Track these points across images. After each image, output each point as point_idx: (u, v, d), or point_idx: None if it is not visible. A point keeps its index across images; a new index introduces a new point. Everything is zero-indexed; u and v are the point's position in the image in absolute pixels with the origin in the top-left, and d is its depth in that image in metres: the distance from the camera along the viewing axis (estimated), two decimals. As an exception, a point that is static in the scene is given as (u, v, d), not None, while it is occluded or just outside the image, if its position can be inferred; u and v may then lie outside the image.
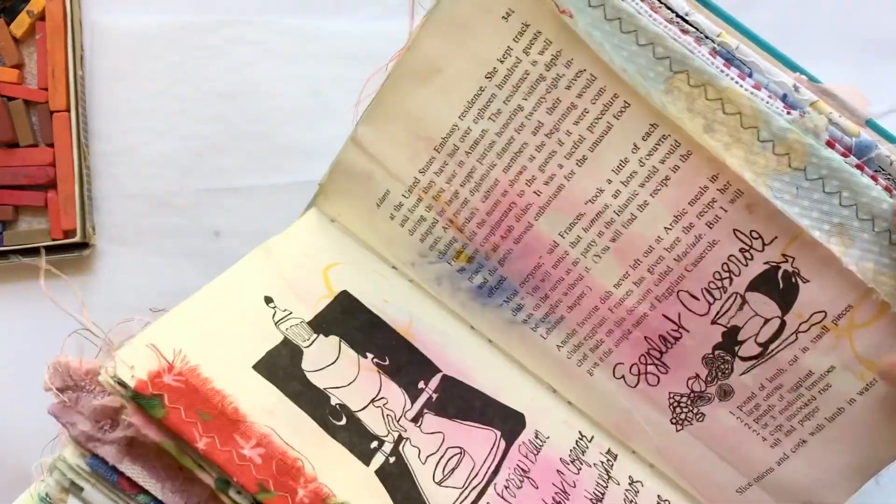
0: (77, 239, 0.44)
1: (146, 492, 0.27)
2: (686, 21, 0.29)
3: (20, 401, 0.45)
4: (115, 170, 0.46)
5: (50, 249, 0.45)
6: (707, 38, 0.29)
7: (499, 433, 0.33)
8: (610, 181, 0.32)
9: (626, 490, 0.34)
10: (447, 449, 0.31)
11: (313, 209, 0.37)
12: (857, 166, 0.29)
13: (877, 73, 0.43)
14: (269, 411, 0.27)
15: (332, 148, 0.46)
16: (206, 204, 0.46)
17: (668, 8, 0.29)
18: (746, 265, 0.32)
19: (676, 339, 0.33)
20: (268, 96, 0.46)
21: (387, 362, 0.33)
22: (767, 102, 0.29)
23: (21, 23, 0.45)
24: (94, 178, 0.46)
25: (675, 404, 0.34)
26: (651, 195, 0.32)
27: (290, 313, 0.32)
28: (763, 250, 0.31)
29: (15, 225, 0.45)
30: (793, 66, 0.30)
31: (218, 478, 0.25)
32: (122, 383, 0.25)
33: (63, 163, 0.44)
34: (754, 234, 0.31)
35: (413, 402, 0.32)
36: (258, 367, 0.29)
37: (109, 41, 0.46)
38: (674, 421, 0.35)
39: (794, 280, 0.31)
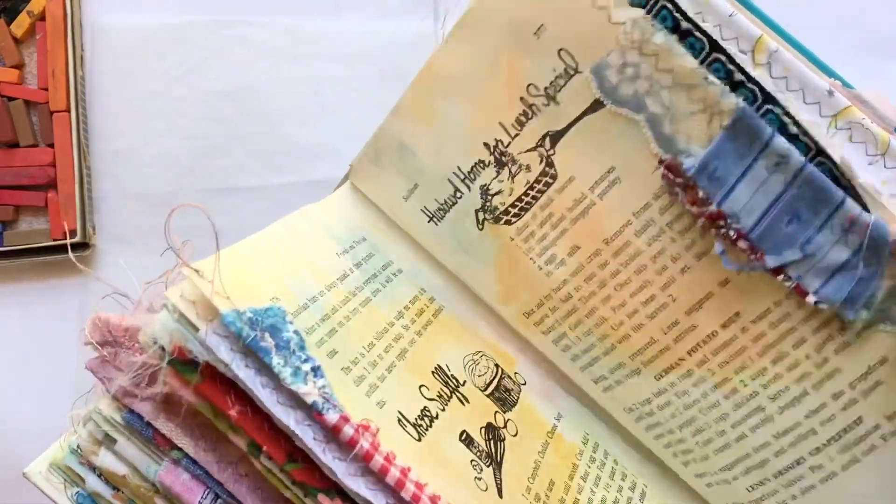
0: (77, 239, 0.44)
1: (179, 448, 0.27)
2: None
3: (20, 400, 0.45)
4: (115, 170, 0.46)
5: (50, 249, 0.45)
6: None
7: None
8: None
9: None
10: None
11: (347, 184, 0.37)
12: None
13: (877, 73, 0.43)
14: None
15: (332, 148, 0.46)
16: (206, 204, 0.46)
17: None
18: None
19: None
20: (268, 96, 0.46)
21: None
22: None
23: (21, 23, 0.45)
24: (94, 178, 0.46)
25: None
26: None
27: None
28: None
29: (15, 225, 0.45)
30: (829, 72, 0.30)
31: (250, 442, 0.26)
32: (160, 346, 0.25)
33: (63, 163, 0.44)
34: None
35: None
36: None
37: (109, 41, 0.46)
38: None
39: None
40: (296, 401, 0.25)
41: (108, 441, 0.28)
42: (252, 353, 0.25)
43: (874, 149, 0.30)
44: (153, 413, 0.26)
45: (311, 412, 0.25)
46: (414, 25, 0.46)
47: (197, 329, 0.25)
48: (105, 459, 0.28)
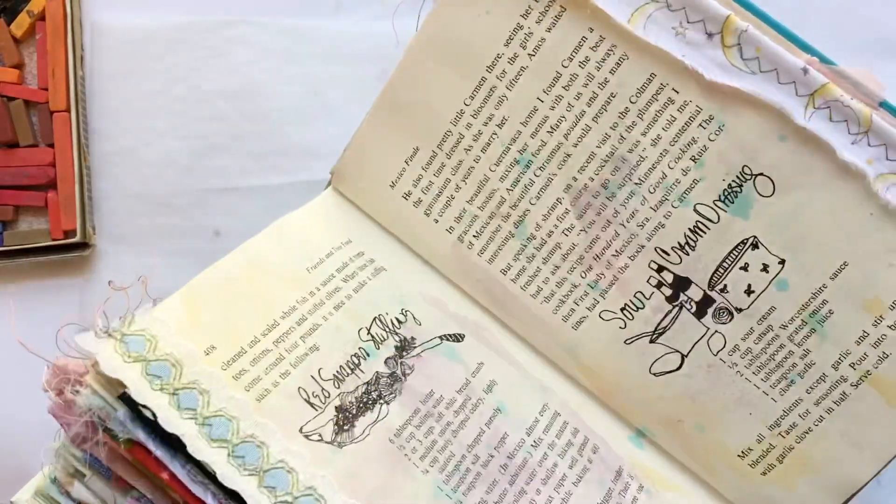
0: (77, 239, 0.44)
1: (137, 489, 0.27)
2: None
3: (20, 400, 0.45)
4: (115, 170, 0.46)
5: (50, 249, 0.45)
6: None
7: None
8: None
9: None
10: None
11: (329, 189, 0.37)
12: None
13: (876, 72, 0.43)
14: None
15: (332, 148, 0.46)
16: (206, 204, 0.46)
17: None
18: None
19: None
20: (268, 96, 0.46)
21: None
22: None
23: (21, 23, 0.45)
24: (94, 178, 0.46)
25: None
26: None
27: None
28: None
29: (15, 225, 0.45)
30: (805, 48, 0.29)
31: (185, 501, 0.26)
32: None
33: (63, 163, 0.44)
34: None
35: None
36: None
37: (109, 41, 0.46)
38: None
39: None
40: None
41: (79, 475, 0.28)
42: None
43: (856, 127, 0.29)
44: (109, 457, 0.27)
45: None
46: (414, 25, 0.46)
47: (115, 409, 0.26)
48: (79, 492, 0.28)
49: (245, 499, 0.25)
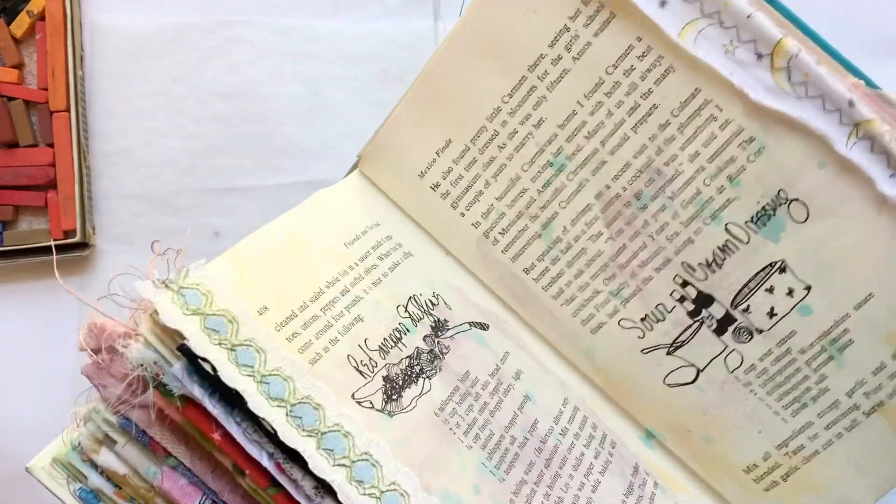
0: (77, 239, 0.44)
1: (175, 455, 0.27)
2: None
3: (20, 400, 0.45)
4: (115, 170, 0.46)
5: (50, 249, 0.45)
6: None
7: None
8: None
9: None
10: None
11: (356, 173, 0.37)
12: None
13: (876, 73, 0.43)
14: None
15: (332, 148, 0.46)
16: (206, 204, 0.46)
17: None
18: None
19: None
20: (268, 96, 0.46)
21: None
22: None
23: (21, 23, 0.45)
24: (94, 178, 0.46)
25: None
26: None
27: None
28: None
29: (15, 225, 0.45)
30: (852, 69, 0.29)
31: (234, 464, 0.26)
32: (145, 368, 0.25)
33: (63, 163, 0.44)
34: None
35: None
36: None
37: (109, 41, 0.46)
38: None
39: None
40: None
41: (108, 441, 0.28)
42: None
43: None
44: (147, 421, 0.26)
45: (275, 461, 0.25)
46: (414, 25, 0.46)
47: (171, 363, 0.25)
48: (106, 459, 0.28)
49: (306, 459, 0.25)
